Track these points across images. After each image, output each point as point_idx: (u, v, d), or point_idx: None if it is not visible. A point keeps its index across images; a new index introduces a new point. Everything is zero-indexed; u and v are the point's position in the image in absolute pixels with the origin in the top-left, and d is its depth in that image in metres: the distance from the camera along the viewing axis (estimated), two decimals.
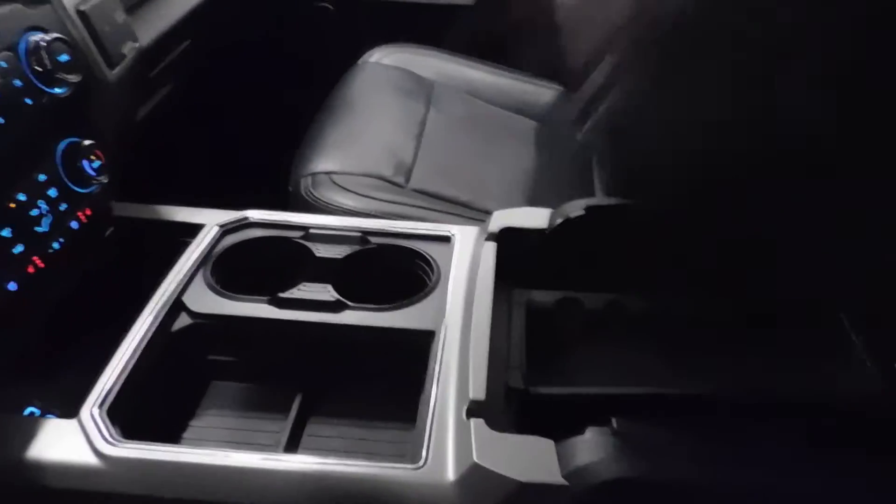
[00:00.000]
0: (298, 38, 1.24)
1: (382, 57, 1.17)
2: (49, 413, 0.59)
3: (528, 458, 0.47)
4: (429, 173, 0.94)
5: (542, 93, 1.20)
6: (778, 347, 0.61)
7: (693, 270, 0.61)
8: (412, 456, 0.52)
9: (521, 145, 1.08)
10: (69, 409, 0.55)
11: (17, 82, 0.55)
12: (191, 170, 1.09)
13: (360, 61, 1.17)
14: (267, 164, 1.05)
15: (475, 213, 0.89)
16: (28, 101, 0.56)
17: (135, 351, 0.58)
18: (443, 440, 0.51)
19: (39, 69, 0.57)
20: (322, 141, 0.95)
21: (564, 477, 0.45)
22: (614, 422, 0.47)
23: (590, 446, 0.46)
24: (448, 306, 0.63)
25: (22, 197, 0.57)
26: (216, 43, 1.09)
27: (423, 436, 0.52)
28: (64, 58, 0.59)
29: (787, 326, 0.62)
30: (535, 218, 0.70)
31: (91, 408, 0.53)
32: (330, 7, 1.27)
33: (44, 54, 0.57)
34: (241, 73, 1.21)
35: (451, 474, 0.49)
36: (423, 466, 0.50)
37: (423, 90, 1.11)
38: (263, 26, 1.22)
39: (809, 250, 0.52)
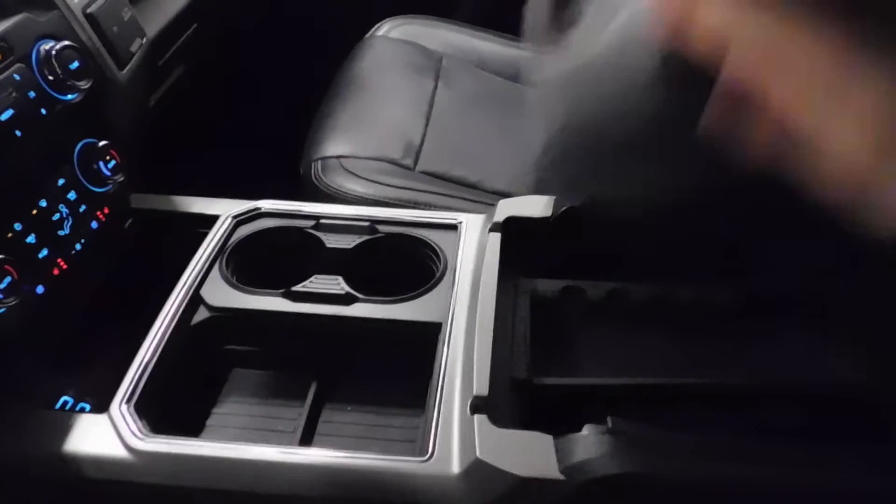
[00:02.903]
0: (307, 13, 1.24)
1: (390, 30, 1.17)
2: (81, 402, 0.63)
3: (529, 453, 0.50)
4: (437, 154, 0.94)
5: None
6: (778, 336, 0.62)
7: (694, 257, 0.62)
8: (420, 448, 0.55)
9: (532, 118, 1.07)
10: (100, 397, 0.59)
11: (32, 94, 0.56)
12: (205, 153, 1.11)
13: (367, 36, 1.16)
14: (280, 145, 1.06)
15: (484, 196, 0.90)
16: (43, 111, 0.58)
17: (157, 346, 0.61)
18: (448, 434, 0.54)
19: (51, 78, 0.58)
20: (331, 123, 0.96)
21: (562, 472, 0.48)
22: (610, 420, 0.49)
23: (587, 443, 0.49)
24: (454, 298, 0.65)
25: (43, 203, 0.59)
26: (223, 24, 1.09)
27: (431, 429, 0.55)
28: (75, 65, 0.60)
29: (786, 314, 0.63)
30: (540, 206, 0.71)
31: (120, 404, 0.56)
32: None
33: (55, 63, 0.58)
34: (249, 54, 1.21)
35: (455, 467, 0.52)
36: (429, 459, 0.53)
37: (432, 65, 1.11)
38: (270, 4, 1.21)
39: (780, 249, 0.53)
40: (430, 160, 0.93)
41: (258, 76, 1.24)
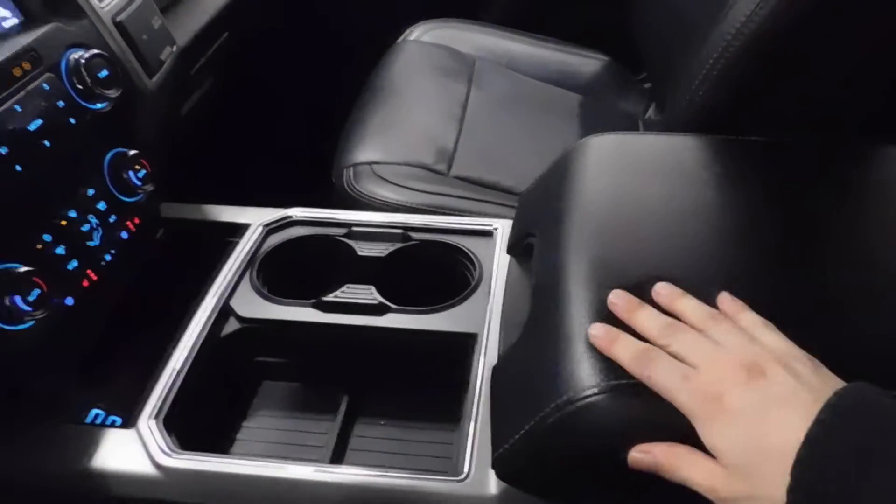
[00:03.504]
0: (334, 20, 1.23)
1: (422, 34, 1.15)
2: (112, 415, 0.62)
3: None
4: (471, 158, 0.92)
5: (587, 63, 1.16)
6: None
7: None
8: (454, 468, 0.52)
9: (565, 121, 1.05)
10: (128, 409, 0.58)
11: (61, 103, 0.56)
12: (235, 163, 1.10)
13: (399, 40, 1.14)
14: (310, 153, 1.05)
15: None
16: (72, 120, 0.57)
17: (186, 359, 0.60)
18: (485, 452, 0.51)
19: (80, 87, 0.57)
20: (363, 129, 0.95)
21: None
22: None
23: None
24: (490, 307, 0.63)
25: (73, 214, 0.59)
26: (254, 32, 1.08)
27: (466, 447, 0.52)
28: (104, 73, 0.59)
29: None
30: None
31: (148, 419, 0.55)
32: None
33: (83, 72, 0.58)
34: (277, 62, 1.21)
35: (493, 488, 0.49)
36: (465, 479, 0.50)
37: (465, 68, 1.08)
38: (300, 10, 1.21)
39: None
40: (464, 165, 0.90)
41: (286, 84, 1.24)
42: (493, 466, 0.48)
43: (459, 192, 0.86)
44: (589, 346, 0.44)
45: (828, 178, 0.59)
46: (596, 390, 0.42)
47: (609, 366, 0.42)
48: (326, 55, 1.21)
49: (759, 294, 0.46)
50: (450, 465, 0.59)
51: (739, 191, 0.58)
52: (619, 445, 0.42)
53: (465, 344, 0.61)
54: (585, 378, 0.42)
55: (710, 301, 0.45)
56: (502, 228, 0.72)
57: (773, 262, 0.51)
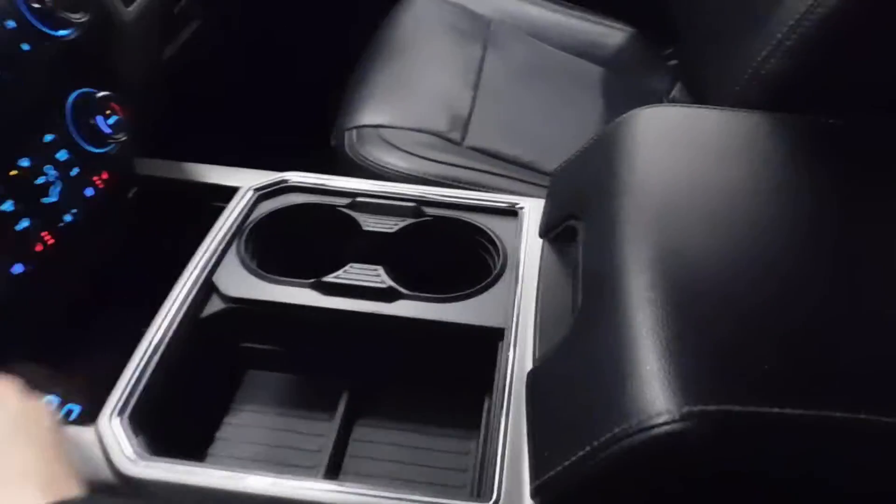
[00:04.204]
0: None
1: None
2: (70, 403, 0.53)
3: None
4: (487, 128, 0.83)
5: (611, 34, 1.07)
6: None
7: None
8: (480, 489, 0.44)
9: (586, 94, 0.96)
10: (91, 399, 0.49)
11: (11, 23, 0.45)
12: (226, 120, 1.00)
13: None
14: (309, 113, 0.95)
15: (541, 177, 0.78)
16: (25, 46, 0.46)
17: (159, 343, 0.50)
18: (518, 471, 0.43)
19: (38, 5, 0.47)
20: (368, 89, 0.85)
21: None
22: None
23: None
24: (518, 298, 0.54)
25: (25, 163, 0.48)
26: None
27: (494, 465, 0.44)
28: None
29: None
30: None
31: (111, 416, 0.46)
32: None
33: None
34: (276, 12, 1.10)
35: None
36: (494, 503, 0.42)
37: (480, 30, 0.99)
38: None
39: None
40: (480, 135, 0.81)
41: (283, 35, 1.13)
42: (534, 496, 0.39)
43: (476, 164, 0.77)
44: (661, 357, 0.36)
45: None
46: (666, 418, 0.33)
47: (686, 387, 0.34)
48: (329, 8, 1.11)
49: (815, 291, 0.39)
50: (465, 479, 0.51)
51: (814, 175, 0.50)
52: (697, 481, 0.34)
53: (489, 340, 0.52)
54: (654, 402, 0.34)
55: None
56: (529, 208, 0.63)
57: (840, 259, 0.43)
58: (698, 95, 0.86)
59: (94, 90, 0.54)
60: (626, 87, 1.00)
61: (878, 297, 0.39)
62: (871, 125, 0.53)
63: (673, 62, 1.06)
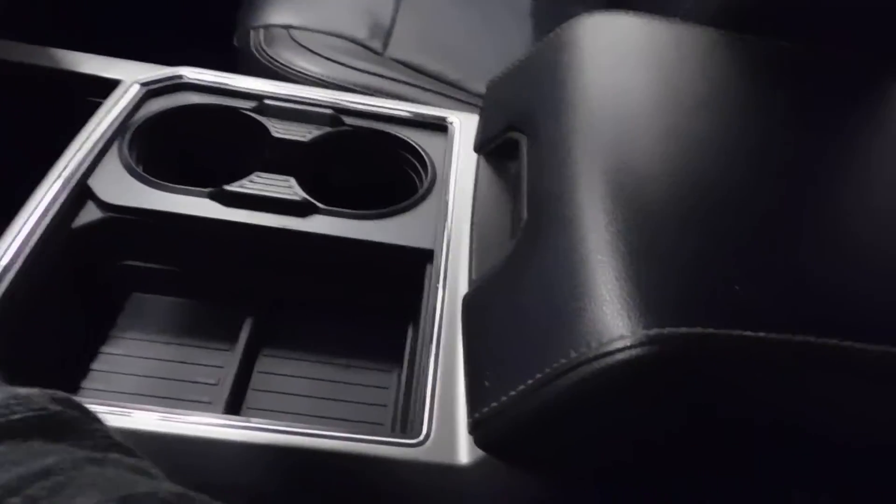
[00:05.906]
0: None
1: None
2: None
3: None
4: (410, 41, 0.76)
5: None
6: None
7: None
8: (405, 424, 0.39)
9: (515, 20, 0.90)
10: None
11: None
12: (107, 7, 0.86)
13: None
14: (206, 5, 0.83)
15: (466, 96, 0.73)
16: None
17: (16, 255, 0.41)
18: (451, 406, 0.38)
19: None
20: None
21: None
22: None
23: None
24: (449, 218, 0.49)
25: None
26: None
27: (424, 398, 0.39)
28: None
29: None
30: None
31: None
32: None
33: None
34: None
35: (463, 456, 0.36)
36: (424, 442, 0.37)
37: None
38: None
39: None
40: (403, 46, 0.74)
41: None
42: (472, 431, 0.35)
43: (399, 76, 0.70)
44: (620, 276, 0.31)
45: (867, 100, 0.50)
46: (629, 342, 0.29)
47: (649, 307, 0.30)
48: None
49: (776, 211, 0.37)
50: (386, 416, 0.46)
51: (771, 96, 0.47)
52: (661, 415, 0.30)
53: (416, 262, 0.47)
54: (614, 325, 0.30)
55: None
56: (460, 122, 0.57)
57: (799, 180, 0.41)
58: None
59: None
60: (558, 15, 0.95)
61: (840, 219, 0.37)
62: (824, 53, 0.51)
63: None
